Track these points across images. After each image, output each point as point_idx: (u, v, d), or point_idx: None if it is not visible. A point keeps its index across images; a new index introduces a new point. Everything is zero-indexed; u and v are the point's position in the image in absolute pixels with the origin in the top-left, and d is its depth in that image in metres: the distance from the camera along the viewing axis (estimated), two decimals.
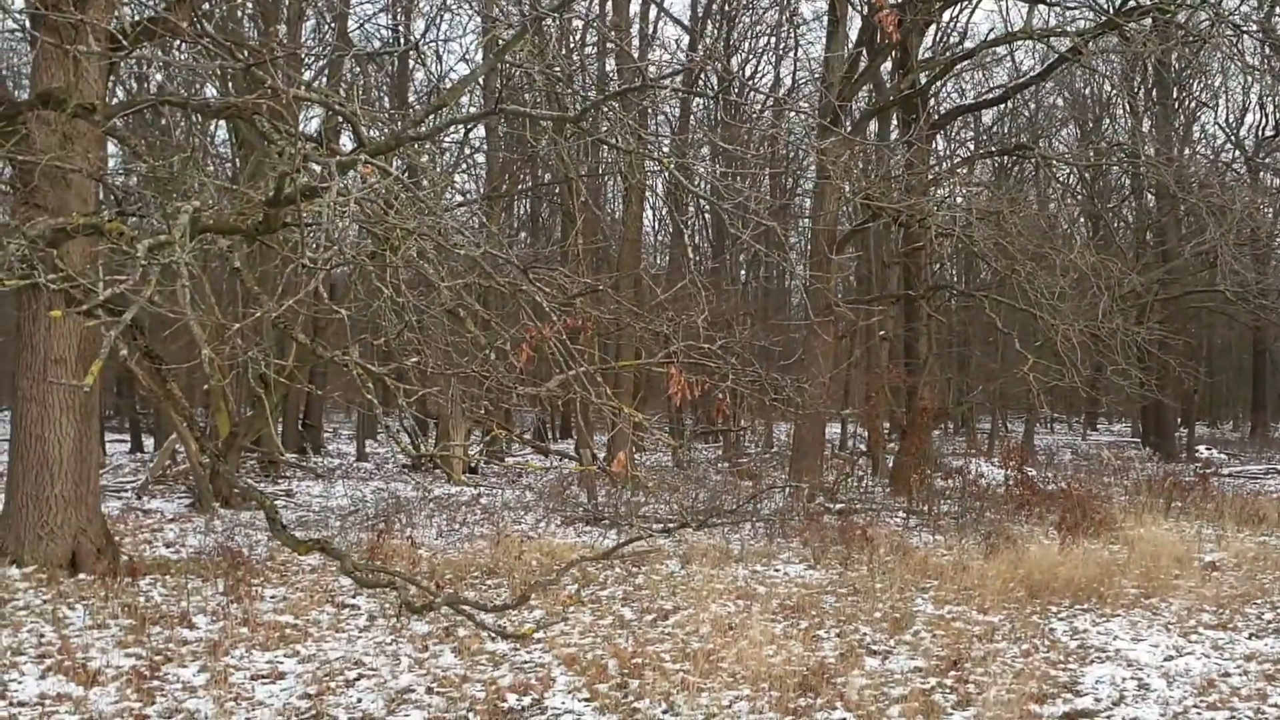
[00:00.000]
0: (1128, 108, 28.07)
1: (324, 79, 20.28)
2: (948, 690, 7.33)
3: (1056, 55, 17.93)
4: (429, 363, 7.85)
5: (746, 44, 30.38)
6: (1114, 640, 8.74)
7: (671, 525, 12.82)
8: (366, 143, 6.24)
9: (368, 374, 6.56)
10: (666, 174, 10.01)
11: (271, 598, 9.72)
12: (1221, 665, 8.07)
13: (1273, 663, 8.13)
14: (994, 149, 25.28)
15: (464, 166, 23.61)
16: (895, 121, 24.80)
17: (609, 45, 22.37)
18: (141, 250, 5.29)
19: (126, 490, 17.49)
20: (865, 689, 7.27)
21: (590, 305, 9.88)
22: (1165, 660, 8.18)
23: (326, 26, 22.19)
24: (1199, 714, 6.95)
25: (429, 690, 7.18)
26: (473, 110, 19.82)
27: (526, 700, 6.99)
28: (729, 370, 8.76)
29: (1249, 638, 8.93)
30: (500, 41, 9.47)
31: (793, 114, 20.97)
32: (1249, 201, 19.26)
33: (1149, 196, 30.35)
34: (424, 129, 7.60)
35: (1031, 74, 21.98)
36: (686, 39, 28.72)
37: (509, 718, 6.72)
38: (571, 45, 22.05)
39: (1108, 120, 31.43)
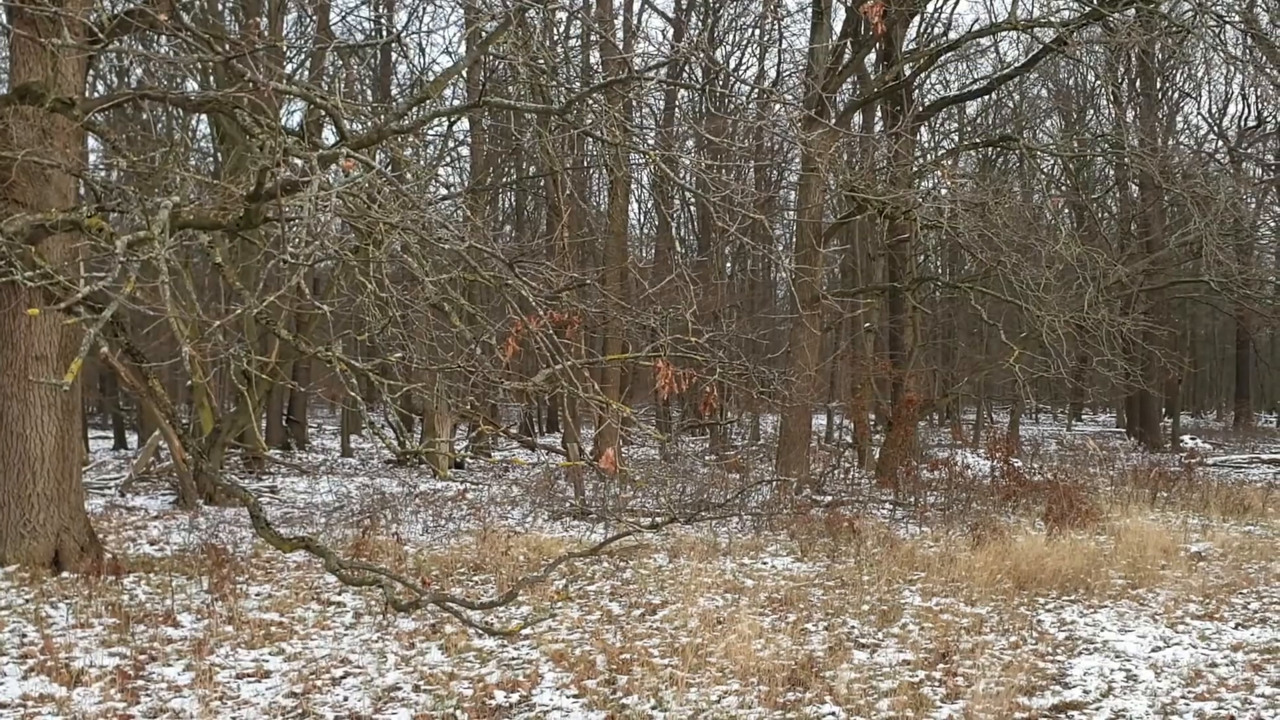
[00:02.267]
0: (1111, 98, 28.14)
1: (305, 72, 20.18)
2: (936, 683, 7.32)
3: (1041, 46, 17.94)
4: (413, 358, 7.80)
5: (731, 36, 30.38)
6: (1102, 631, 8.75)
7: (659, 520, 12.78)
8: (348, 136, 6.18)
9: (351, 370, 6.51)
10: (652, 166, 9.97)
11: (256, 595, 9.65)
12: (1209, 655, 8.08)
13: (1259, 653, 8.15)
14: (978, 140, 25.32)
15: (448, 159, 23.54)
16: (880, 113, 24.80)
17: (593, 37, 22.30)
18: (121, 246, 5.23)
19: (110, 487, 17.37)
20: (854, 682, 7.26)
21: (576, 299, 9.83)
22: (1153, 651, 8.19)
23: (308, 19, 22.07)
24: (1187, 705, 6.95)
25: (416, 688, 7.13)
26: (456, 103, 19.77)
27: (514, 697, 6.95)
28: (716, 363, 8.74)
29: (1235, 628, 8.95)
30: (484, 34, 9.41)
31: (778, 106, 20.94)
32: (1232, 192, 19.35)
33: (1133, 187, 30.47)
34: (407, 122, 7.54)
35: (1016, 65, 22.00)
36: (671, 30, 28.70)
37: (497, 715, 6.68)
38: (556, 37, 21.94)
39: (1092, 111, 31.56)
